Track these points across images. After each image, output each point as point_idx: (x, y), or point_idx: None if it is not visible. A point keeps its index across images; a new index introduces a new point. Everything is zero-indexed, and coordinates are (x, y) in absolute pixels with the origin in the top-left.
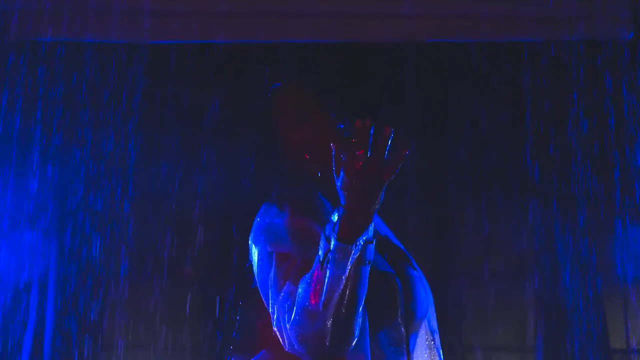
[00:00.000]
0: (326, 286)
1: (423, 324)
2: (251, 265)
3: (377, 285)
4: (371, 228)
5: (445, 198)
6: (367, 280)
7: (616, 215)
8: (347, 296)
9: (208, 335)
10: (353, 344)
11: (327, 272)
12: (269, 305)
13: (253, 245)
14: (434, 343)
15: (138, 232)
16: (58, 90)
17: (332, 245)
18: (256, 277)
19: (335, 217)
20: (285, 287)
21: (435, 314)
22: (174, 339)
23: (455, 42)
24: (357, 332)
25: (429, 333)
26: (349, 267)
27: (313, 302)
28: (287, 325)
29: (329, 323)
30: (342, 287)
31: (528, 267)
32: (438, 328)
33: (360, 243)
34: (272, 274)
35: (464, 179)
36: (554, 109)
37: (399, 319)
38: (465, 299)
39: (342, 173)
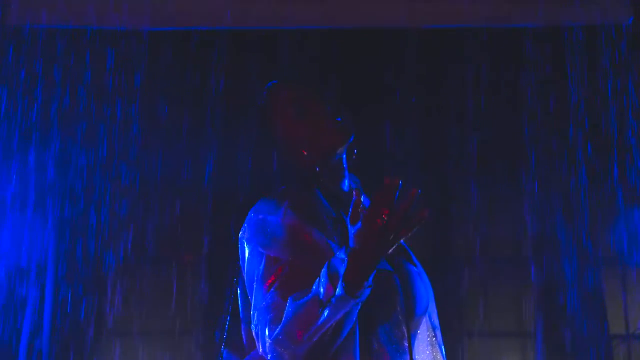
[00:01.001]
0: (318, 323)
1: (424, 321)
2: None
3: (376, 283)
4: (373, 274)
5: (444, 185)
6: (355, 316)
7: (616, 199)
8: (332, 330)
9: (205, 323)
10: None
11: (325, 313)
12: (251, 304)
13: (245, 242)
14: (436, 339)
15: (137, 217)
16: (58, 76)
17: (336, 293)
18: (245, 273)
19: (342, 255)
20: (269, 295)
21: (436, 310)
22: (172, 324)
23: (454, 27)
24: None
25: (431, 329)
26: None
27: (300, 331)
28: (267, 340)
29: (309, 349)
30: (331, 324)
31: (527, 253)
32: (439, 323)
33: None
34: (259, 276)
35: (463, 164)
36: (553, 93)
37: (399, 316)
38: (465, 286)
39: (359, 224)
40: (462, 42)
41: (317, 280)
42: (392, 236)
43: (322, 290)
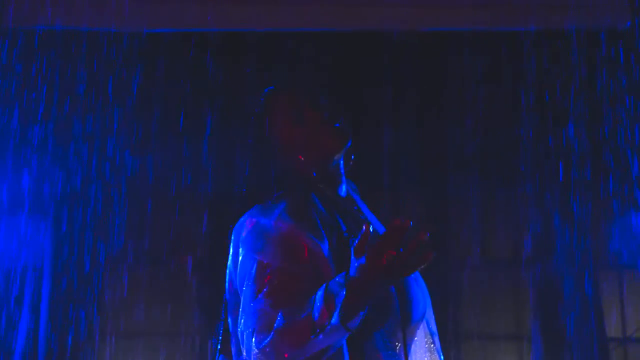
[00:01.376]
0: (308, 345)
1: (421, 326)
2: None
3: None
4: (369, 303)
5: (442, 188)
6: (345, 339)
7: (613, 203)
8: (320, 349)
9: (202, 325)
10: None
11: (317, 338)
12: (240, 304)
13: (240, 244)
14: (434, 345)
15: (134, 219)
16: (54, 78)
17: (332, 321)
18: (237, 274)
19: (341, 280)
20: (258, 301)
21: (433, 316)
22: (170, 326)
23: (452, 30)
24: None
25: (428, 335)
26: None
27: (289, 349)
28: (254, 348)
29: None
30: (321, 346)
31: (525, 256)
32: (437, 329)
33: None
34: (250, 280)
35: (461, 167)
36: (550, 97)
37: (395, 322)
38: (463, 289)
39: (363, 259)
40: (461, 45)
41: (313, 300)
42: (394, 275)
43: (316, 313)
